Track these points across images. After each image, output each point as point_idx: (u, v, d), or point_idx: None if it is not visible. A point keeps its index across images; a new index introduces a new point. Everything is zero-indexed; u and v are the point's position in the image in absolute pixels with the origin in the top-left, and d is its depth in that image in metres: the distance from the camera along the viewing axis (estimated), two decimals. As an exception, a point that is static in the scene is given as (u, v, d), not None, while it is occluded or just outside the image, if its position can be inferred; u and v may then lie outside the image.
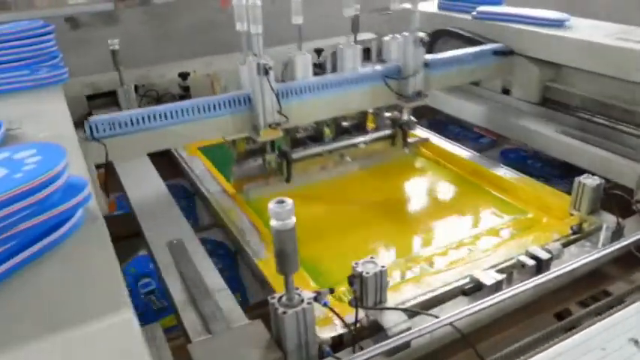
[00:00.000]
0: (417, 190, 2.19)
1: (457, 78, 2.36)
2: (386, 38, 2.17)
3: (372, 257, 1.29)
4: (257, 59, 1.80)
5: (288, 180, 2.08)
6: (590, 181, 1.62)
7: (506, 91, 2.56)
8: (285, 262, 1.06)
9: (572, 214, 1.69)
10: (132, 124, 1.76)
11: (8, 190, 0.81)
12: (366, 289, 1.26)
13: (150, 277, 2.17)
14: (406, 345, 1.24)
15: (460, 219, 1.92)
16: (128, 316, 0.73)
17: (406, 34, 2.09)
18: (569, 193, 1.72)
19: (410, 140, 2.31)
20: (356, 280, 1.26)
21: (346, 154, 2.26)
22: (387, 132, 2.29)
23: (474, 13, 2.56)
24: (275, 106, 1.88)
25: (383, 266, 1.27)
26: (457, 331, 1.19)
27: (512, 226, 1.82)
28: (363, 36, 2.83)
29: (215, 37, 2.71)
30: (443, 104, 2.73)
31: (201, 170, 2.22)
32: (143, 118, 1.77)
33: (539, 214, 1.86)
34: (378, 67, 2.13)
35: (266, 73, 1.80)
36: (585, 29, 2.22)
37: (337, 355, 1.18)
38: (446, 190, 2.16)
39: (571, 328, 1.26)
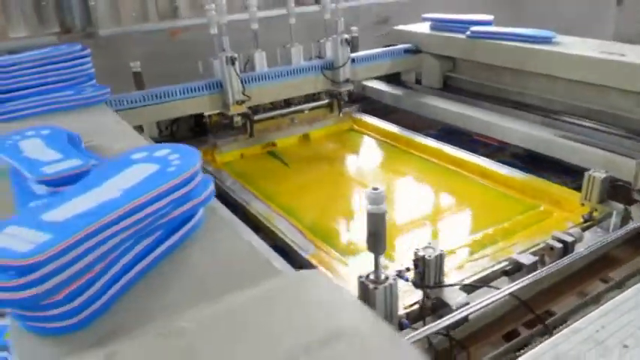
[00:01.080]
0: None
1: (377, 70, 3.12)
2: (322, 40, 2.92)
3: (429, 243, 1.46)
4: (225, 53, 2.52)
5: (251, 135, 2.77)
6: (598, 174, 1.84)
7: (418, 81, 3.26)
8: (376, 242, 1.21)
9: (583, 205, 1.91)
10: (142, 100, 2.47)
11: (169, 180, 0.94)
12: (428, 271, 1.42)
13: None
14: (465, 319, 1.40)
15: (474, 214, 2.12)
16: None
17: (335, 36, 2.82)
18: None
19: (344, 110, 3.09)
20: (419, 262, 1.42)
21: (295, 118, 2.98)
22: (326, 101, 3.05)
23: (468, 32, 2.80)
24: (240, 87, 2.58)
25: (442, 250, 1.43)
26: (517, 300, 1.37)
27: (527, 218, 2.02)
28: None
29: (165, 69, 2.84)
30: (382, 96, 3.26)
31: (231, 182, 2.35)
32: (150, 96, 2.48)
33: (549, 207, 2.08)
34: (316, 61, 2.91)
35: (232, 63, 2.52)
36: (572, 44, 2.50)
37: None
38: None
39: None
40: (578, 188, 1.98)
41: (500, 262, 1.65)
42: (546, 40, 2.56)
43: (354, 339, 0.67)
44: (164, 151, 1.06)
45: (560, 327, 1.32)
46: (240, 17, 3.56)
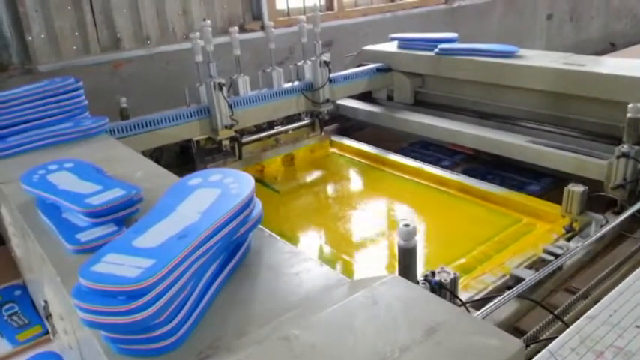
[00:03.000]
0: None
1: (353, 89, 3.29)
2: (300, 63, 3.04)
3: (442, 267, 1.56)
4: (213, 79, 2.58)
5: (240, 157, 2.84)
6: (577, 188, 2.03)
7: (390, 98, 3.45)
8: (408, 274, 1.31)
9: (564, 217, 2.08)
10: (134, 128, 2.51)
11: (236, 202, 1.01)
12: (444, 294, 1.51)
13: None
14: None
15: (463, 230, 2.24)
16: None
17: (314, 58, 2.95)
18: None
19: (325, 129, 3.22)
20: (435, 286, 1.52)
21: (280, 139, 3.08)
22: (307, 121, 3.14)
23: (437, 50, 2.98)
24: (228, 112, 2.65)
25: (455, 273, 1.53)
26: (528, 299, 1.49)
27: (513, 232, 2.17)
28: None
29: (111, 101, 2.85)
30: (356, 114, 3.40)
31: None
32: (140, 124, 2.52)
33: (531, 220, 2.24)
34: (297, 83, 3.02)
35: (220, 88, 2.58)
36: (535, 57, 2.70)
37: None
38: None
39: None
40: (549, 192, 2.16)
41: (502, 278, 1.77)
42: (511, 54, 2.75)
43: (450, 329, 0.76)
44: (217, 176, 1.13)
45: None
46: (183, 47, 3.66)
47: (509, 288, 1.72)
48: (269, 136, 3.02)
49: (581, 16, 6.46)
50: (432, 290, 1.50)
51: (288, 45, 4.25)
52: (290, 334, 0.78)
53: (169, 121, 2.60)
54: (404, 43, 3.28)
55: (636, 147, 2.12)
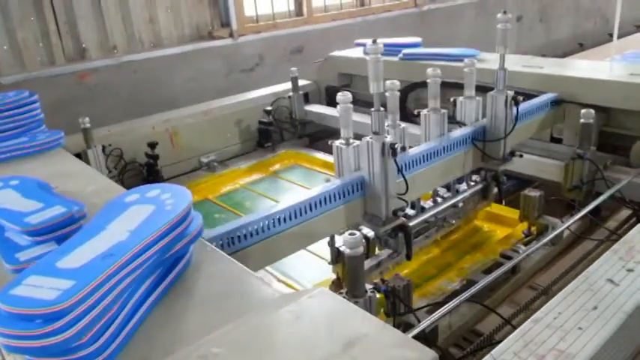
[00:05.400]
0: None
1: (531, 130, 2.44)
2: (461, 98, 2.12)
3: (397, 274, 1.57)
4: (381, 137, 1.63)
5: (409, 257, 1.86)
6: (533, 193, 2.05)
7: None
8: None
9: (521, 222, 2.11)
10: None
11: (169, 220, 1.00)
12: (398, 299, 1.53)
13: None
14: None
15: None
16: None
17: (494, 92, 2.06)
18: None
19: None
20: (390, 293, 1.53)
21: (449, 218, 2.15)
22: (480, 186, 2.21)
23: (401, 55, 3.00)
24: (395, 189, 1.69)
25: (409, 280, 1.55)
26: (477, 303, 1.51)
27: (474, 238, 2.19)
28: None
29: (78, 112, 2.67)
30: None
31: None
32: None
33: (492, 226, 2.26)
34: (467, 130, 2.05)
35: (394, 153, 1.62)
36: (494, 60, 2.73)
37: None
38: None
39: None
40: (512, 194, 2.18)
41: (459, 282, 1.79)
42: (472, 58, 2.78)
43: (369, 342, 0.76)
44: (155, 191, 1.12)
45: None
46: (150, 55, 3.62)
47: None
48: (437, 220, 2.07)
49: (551, 17, 6.56)
50: (386, 297, 1.52)
51: (258, 52, 4.26)
52: (209, 353, 0.78)
53: (308, 211, 1.63)
54: (368, 49, 3.29)
55: (592, 148, 2.15)
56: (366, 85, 3.05)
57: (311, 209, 1.62)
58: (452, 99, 2.14)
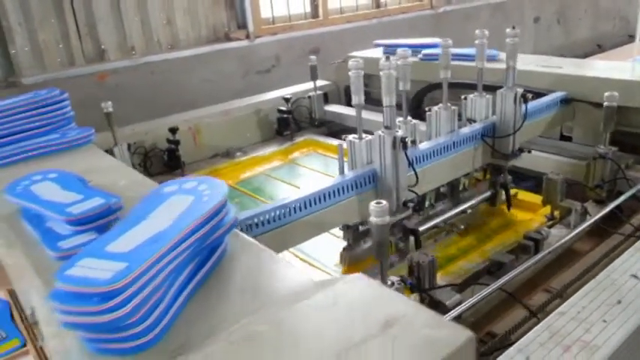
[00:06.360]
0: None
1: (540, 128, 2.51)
2: (472, 96, 2.20)
3: (424, 252, 1.62)
4: (392, 132, 1.74)
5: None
6: (556, 176, 2.08)
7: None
8: (382, 251, 1.36)
9: (544, 205, 2.14)
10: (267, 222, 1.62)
11: (208, 209, 1.06)
12: (423, 275, 1.57)
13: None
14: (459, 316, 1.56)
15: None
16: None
17: (503, 89, 2.12)
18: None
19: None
20: (414, 268, 1.58)
21: (458, 223, 2.18)
22: (489, 193, 2.28)
23: (420, 55, 3.04)
24: (406, 181, 1.80)
25: (432, 255, 1.60)
26: (506, 292, 1.55)
27: (497, 223, 2.23)
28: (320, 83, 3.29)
29: (96, 113, 2.74)
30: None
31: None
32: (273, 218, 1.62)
33: (513, 210, 2.30)
34: (477, 126, 2.14)
35: (405, 147, 1.72)
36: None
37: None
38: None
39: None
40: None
41: (483, 263, 1.83)
42: (492, 58, 2.82)
43: (407, 323, 0.81)
44: (192, 183, 1.18)
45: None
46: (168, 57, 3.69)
47: (489, 273, 1.78)
48: (446, 223, 2.12)
49: (568, 19, 6.57)
50: (410, 272, 1.57)
51: (274, 53, 4.33)
52: (254, 333, 0.83)
53: (322, 201, 1.72)
54: (388, 50, 3.34)
55: (613, 148, 2.18)
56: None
57: (325, 199, 1.72)
58: (463, 97, 2.24)
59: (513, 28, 2.07)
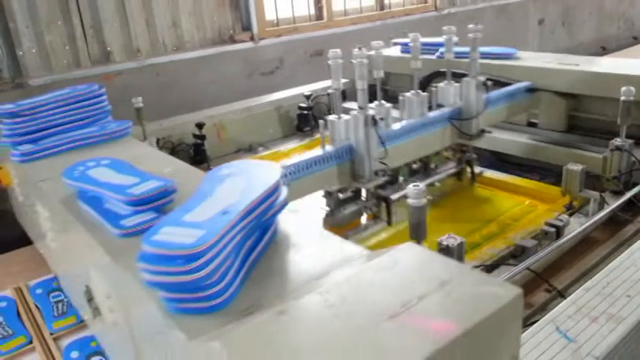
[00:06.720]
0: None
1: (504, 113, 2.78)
2: (442, 84, 2.55)
3: (450, 234, 1.71)
4: (364, 111, 2.09)
5: (389, 223, 2.31)
6: (575, 167, 2.17)
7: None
8: (419, 231, 1.46)
9: (563, 195, 2.23)
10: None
11: (267, 186, 1.15)
12: (452, 257, 1.67)
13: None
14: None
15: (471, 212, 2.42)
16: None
17: (467, 78, 2.49)
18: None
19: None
20: (444, 251, 1.67)
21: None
22: (455, 169, 2.65)
23: (438, 53, 3.14)
24: (378, 154, 2.12)
25: (462, 239, 1.69)
26: (533, 273, 1.64)
27: (517, 212, 2.34)
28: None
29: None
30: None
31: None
32: None
33: (533, 201, 2.41)
34: (446, 110, 2.49)
35: (375, 123, 2.06)
36: (531, 59, 2.87)
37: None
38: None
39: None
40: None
41: (507, 248, 1.92)
42: (509, 56, 2.92)
43: (461, 281, 0.91)
44: (246, 165, 1.28)
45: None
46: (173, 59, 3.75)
47: (514, 257, 1.88)
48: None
49: (573, 21, 6.67)
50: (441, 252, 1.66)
51: (278, 55, 4.40)
52: (322, 291, 0.92)
53: (303, 170, 2.06)
54: (406, 48, 3.44)
55: (629, 140, 2.27)
56: (402, 83, 3.23)
57: (308, 168, 2.06)
58: (433, 86, 2.58)
59: (476, 24, 2.41)
